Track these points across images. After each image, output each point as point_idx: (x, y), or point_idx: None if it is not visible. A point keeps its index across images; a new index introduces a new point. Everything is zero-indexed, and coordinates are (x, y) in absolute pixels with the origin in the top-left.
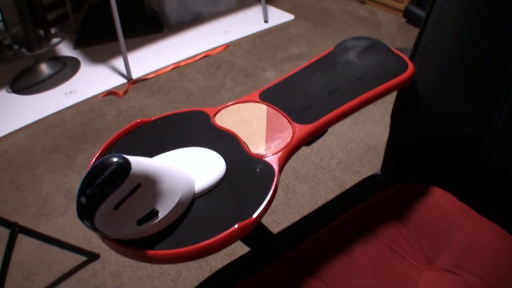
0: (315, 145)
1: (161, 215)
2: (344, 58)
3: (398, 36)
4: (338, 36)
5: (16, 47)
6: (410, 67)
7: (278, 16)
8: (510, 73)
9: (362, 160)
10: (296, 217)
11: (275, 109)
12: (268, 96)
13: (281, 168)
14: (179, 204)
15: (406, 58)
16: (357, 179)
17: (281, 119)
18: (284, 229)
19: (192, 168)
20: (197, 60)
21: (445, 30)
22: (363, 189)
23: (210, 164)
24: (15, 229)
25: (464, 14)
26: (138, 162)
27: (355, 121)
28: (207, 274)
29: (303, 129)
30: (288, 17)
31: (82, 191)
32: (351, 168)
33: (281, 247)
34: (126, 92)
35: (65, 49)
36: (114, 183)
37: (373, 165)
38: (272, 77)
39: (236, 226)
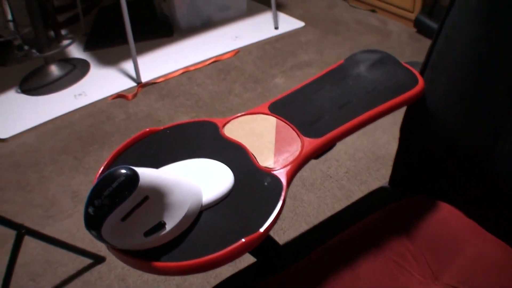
0: None
1: (168, 227)
2: (355, 71)
3: (408, 46)
4: (348, 44)
5: (26, 47)
6: (421, 82)
7: (289, 23)
8: None
9: (370, 169)
10: (303, 225)
11: (284, 122)
12: (278, 108)
13: (289, 182)
14: (186, 216)
15: (416, 72)
16: (364, 188)
17: (290, 132)
18: (291, 240)
19: (200, 180)
20: (206, 65)
21: (456, 45)
22: (371, 201)
23: (218, 176)
24: (22, 231)
25: (476, 29)
26: (146, 174)
27: (363, 131)
28: (212, 280)
29: (312, 143)
30: (298, 24)
31: (90, 202)
32: (359, 177)
33: (287, 258)
34: (135, 95)
35: (75, 51)
36: (122, 195)
37: (381, 175)
38: (282, 83)
39: (243, 240)
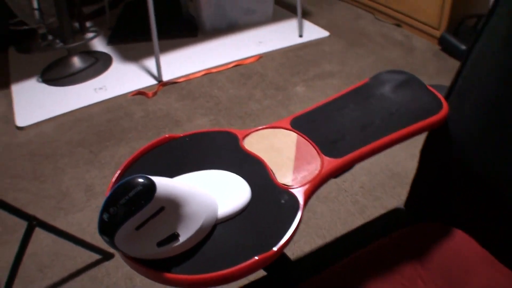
0: None
1: (181, 239)
2: (379, 91)
3: (432, 64)
4: (372, 58)
5: (50, 37)
6: (445, 107)
7: (313, 32)
8: None
9: (385, 186)
10: (314, 238)
11: (305, 139)
12: (299, 124)
13: (306, 201)
14: (201, 229)
15: (441, 97)
16: (378, 205)
17: (310, 150)
18: (302, 256)
19: (216, 192)
20: (228, 68)
21: (483, 73)
22: (385, 223)
23: (235, 190)
24: (33, 223)
25: (504, 58)
26: (163, 184)
27: None
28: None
29: (331, 162)
30: (323, 33)
31: (105, 208)
32: (373, 193)
33: (298, 275)
34: (155, 93)
35: (99, 44)
36: (138, 205)
37: (396, 192)
38: (302, 92)
39: (256, 257)
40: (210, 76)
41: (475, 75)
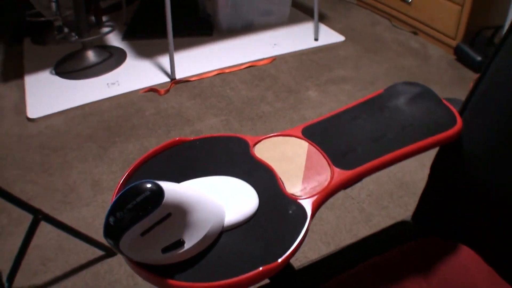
0: None
1: (187, 245)
2: (393, 103)
3: (447, 73)
4: (386, 65)
5: (66, 30)
6: (459, 123)
7: (329, 36)
8: None
9: (393, 195)
10: (318, 244)
11: (316, 148)
12: (311, 133)
13: (314, 212)
14: (206, 236)
15: (455, 111)
16: (384, 214)
17: (321, 160)
18: (306, 265)
19: (224, 199)
20: (242, 69)
21: (501, 90)
22: (392, 235)
23: (243, 198)
24: (38, 216)
25: None
26: (171, 190)
27: None
28: None
29: (342, 174)
30: (338, 38)
31: (112, 212)
32: (380, 202)
33: (301, 284)
34: (167, 91)
35: (113, 39)
36: (145, 210)
37: (403, 202)
38: (315, 97)
39: (260, 268)
40: (223, 76)
41: (492, 92)
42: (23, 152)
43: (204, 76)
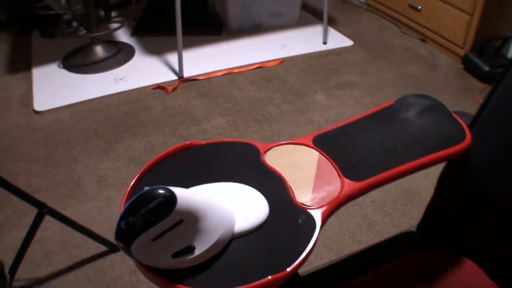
0: None
1: (197, 251)
2: (403, 115)
3: (454, 82)
4: (394, 71)
5: (75, 24)
6: (468, 138)
7: (337, 40)
8: None
9: (397, 203)
10: (321, 248)
11: (327, 158)
12: (322, 142)
13: (323, 223)
14: (217, 243)
15: (465, 126)
16: (387, 221)
17: (331, 170)
18: (310, 273)
19: (234, 206)
20: (250, 69)
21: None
22: (397, 245)
23: (253, 205)
24: (43, 210)
25: None
26: (184, 197)
27: None
28: None
29: (351, 185)
30: (347, 42)
31: (124, 217)
32: (384, 209)
33: None
34: (175, 89)
35: (122, 35)
36: (157, 216)
37: (406, 210)
38: (322, 101)
39: (269, 277)
40: (231, 76)
41: (504, 108)
42: (29, 145)
43: (212, 75)
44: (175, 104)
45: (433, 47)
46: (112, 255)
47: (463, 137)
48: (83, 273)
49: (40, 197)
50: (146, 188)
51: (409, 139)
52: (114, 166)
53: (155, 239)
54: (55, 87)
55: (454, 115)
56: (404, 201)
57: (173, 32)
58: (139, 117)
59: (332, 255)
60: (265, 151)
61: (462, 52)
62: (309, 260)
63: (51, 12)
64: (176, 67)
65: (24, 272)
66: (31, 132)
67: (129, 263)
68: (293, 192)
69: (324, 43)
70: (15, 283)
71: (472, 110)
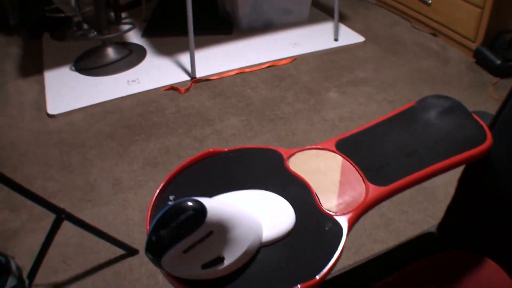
0: None
1: (226, 262)
2: (425, 117)
3: (466, 77)
4: (406, 66)
5: (85, 26)
6: (489, 139)
7: (349, 36)
8: None
9: (413, 200)
10: None
11: (350, 163)
12: (345, 147)
13: (350, 229)
14: (245, 253)
15: (485, 127)
16: (403, 219)
17: (355, 175)
18: (333, 277)
19: (261, 214)
20: (262, 68)
21: None
22: (418, 247)
23: (280, 213)
24: (62, 216)
25: None
26: (214, 209)
27: None
28: None
29: (376, 190)
30: (358, 38)
31: (155, 230)
32: (400, 207)
33: None
34: (188, 89)
35: (133, 36)
36: (188, 229)
37: (423, 207)
38: (335, 98)
39: (299, 286)
40: (243, 75)
41: None
42: (43, 149)
43: (224, 75)
44: (188, 105)
45: (444, 41)
46: (130, 259)
47: (484, 138)
48: (101, 277)
49: (56, 201)
50: (171, 198)
51: (431, 142)
52: (129, 169)
53: (185, 251)
54: (68, 90)
55: (474, 116)
56: (420, 198)
57: (183, 32)
58: (152, 119)
59: (350, 255)
60: (289, 157)
61: (473, 46)
62: (332, 275)
63: (61, 14)
64: (188, 68)
65: (42, 277)
66: (45, 136)
67: (148, 266)
68: (318, 198)
69: (336, 40)
70: None
71: (486, 104)
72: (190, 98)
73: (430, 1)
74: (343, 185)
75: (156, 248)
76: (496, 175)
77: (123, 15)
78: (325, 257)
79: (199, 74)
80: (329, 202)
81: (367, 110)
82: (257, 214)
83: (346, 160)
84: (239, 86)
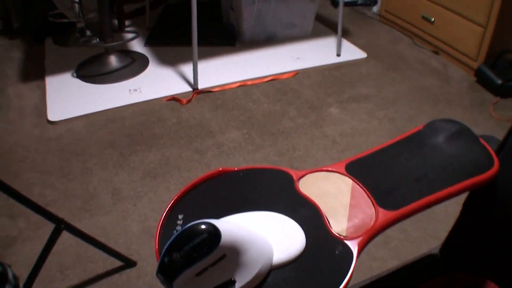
0: None
1: (237, 285)
2: (432, 141)
3: (467, 95)
4: (407, 84)
5: (88, 33)
6: (496, 164)
7: (351, 52)
8: None
9: (412, 218)
10: None
11: (360, 186)
12: (354, 169)
13: (359, 253)
14: (257, 275)
15: (492, 152)
16: (402, 237)
17: (365, 199)
18: None
19: (271, 237)
20: (264, 82)
21: None
22: (420, 269)
23: (290, 236)
24: (61, 226)
25: None
26: (227, 232)
27: None
28: None
29: (386, 215)
30: (360, 54)
31: (168, 252)
32: (399, 225)
33: None
34: (189, 100)
35: (136, 44)
36: (202, 253)
37: (421, 226)
38: (336, 114)
39: None
40: (245, 88)
41: None
42: (43, 155)
43: (227, 87)
44: (190, 116)
45: (446, 59)
46: (128, 270)
47: (491, 163)
48: None
49: (55, 209)
50: (180, 217)
51: (439, 167)
52: (129, 179)
53: (197, 274)
54: (69, 97)
55: (481, 140)
56: (419, 217)
57: (186, 42)
58: (153, 129)
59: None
60: (299, 179)
61: (475, 65)
62: None
63: (65, 20)
64: (190, 78)
65: (39, 287)
66: (45, 142)
67: (146, 279)
68: (328, 221)
69: (338, 55)
70: None
71: (486, 123)
72: (191, 109)
73: (433, 19)
74: (353, 208)
75: (169, 270)
76: (502, 200)
77: (127, 23)
78: (335, 282)
79: (201, 85)
80: (339, 225)
81: (368, 127)
82: (268, 237)
83: (356, 183)
84: (241, 98)
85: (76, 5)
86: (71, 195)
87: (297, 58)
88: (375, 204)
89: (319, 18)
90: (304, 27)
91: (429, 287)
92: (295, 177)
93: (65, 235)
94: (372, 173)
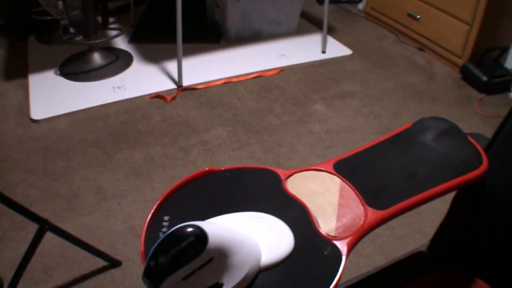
0: None
1: None
2: (421, 139)
3: (452, 92)
4: (392, 81)
5: (72, 30)
6: (485, 162)
7: (336, 49)
8: None
9: None
10: None
11: (349, 185)
12: (343, 168)
13: (348, 253)
14: (245, 278)
15: (481, 150)
16: (389, 234)
17: (354, 198)
18: None
19: (259, 238)
20: (249, 79)
21: None
22: (408, 266)
23: (279, 236)
24: (45, 226)
25: None
26: (214, 235)
27: None
28: None
29: (375, 214)
30: (345, 51)
31: (154, 256)
32: None
33: None
34: (174, 98)
35: (120, 42)
36: (189, 256)
37: (408, 222)
38: (322, 111)
39: None
40: (230, 85)
41: None
42: (26, 155)
43: (211, 84)
44: (174, 114)
45: (431, 56)
46: (113, 270)
47: (480, 162)
48: None
49: (38, 209)
50: (165, 218)
51: (428, 165)
52: (113, 178)
53: (184, 278)
54: (52, 95)
55: (470, 139)
56: (406, 213)
57: (171, 39)
58: (138, 127)
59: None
60: (286, 178)
61: (460, 62)
62: None
63: (48, 17)
64: (175, 76)
65: None
66: (28, 141)
67: (131, 278)
68: (317, 221)
69: (323, 52)
70: None
71: (471, 119)
72: (176, 106)
73: (419, 16)
74: (342, 208)
75: (155, 274)
76: (490, 198)
77: (111, 20)
78: (324, 283)
79: (186, 82)
80: (327, 225)
81: (354, 124)
82: (256, 238)
83: (345, 182)
84: (226, 96)
85: (60, 2)
86: (54, 194)
87: (282, 55)
88: (364, 204)
89: (305, 15)
90: (289, 24)
91: (417, 285)
92: (282, 177)
93: (49, 236)
94: (361, 172)
